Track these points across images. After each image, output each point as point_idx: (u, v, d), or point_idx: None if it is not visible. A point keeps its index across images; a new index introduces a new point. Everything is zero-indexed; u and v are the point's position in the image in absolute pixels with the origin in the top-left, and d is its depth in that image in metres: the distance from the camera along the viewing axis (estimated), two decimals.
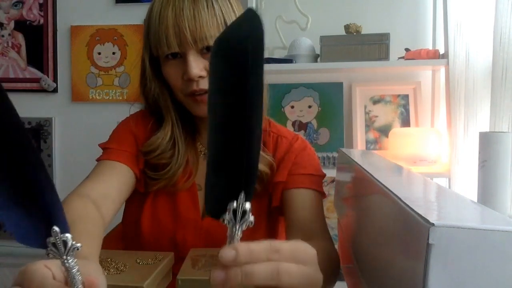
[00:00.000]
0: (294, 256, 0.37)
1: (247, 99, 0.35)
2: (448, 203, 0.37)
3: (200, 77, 0.71)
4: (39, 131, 1.87)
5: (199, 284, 0.54)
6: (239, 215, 0.36)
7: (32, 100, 1.87)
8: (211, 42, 0.69)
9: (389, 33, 1.45)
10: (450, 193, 0.40)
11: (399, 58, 1.49)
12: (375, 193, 0.45)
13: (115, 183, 0.72)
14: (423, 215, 0.28)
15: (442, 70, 1.51)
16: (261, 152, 0.76)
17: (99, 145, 0.79)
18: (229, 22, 0.71)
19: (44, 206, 0.35)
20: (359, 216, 0.57)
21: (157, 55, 0.74)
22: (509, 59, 1.23)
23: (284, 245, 0.37)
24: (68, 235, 0.35)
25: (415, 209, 0.30)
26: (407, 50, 1.47)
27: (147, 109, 0.82)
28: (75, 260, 0.36)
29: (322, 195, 0.80)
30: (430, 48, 1.56)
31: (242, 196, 0.36)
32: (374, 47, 1.45)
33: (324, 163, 1.52)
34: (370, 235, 0.47)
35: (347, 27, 1.51)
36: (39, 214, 0.35)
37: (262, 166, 0.76)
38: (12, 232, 0.35)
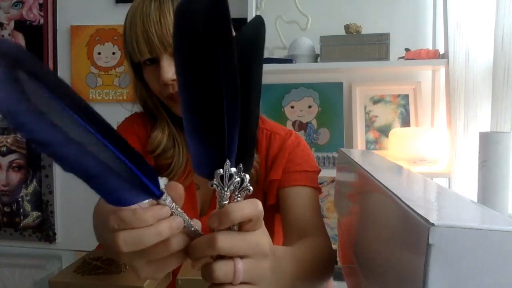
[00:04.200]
0: (251, 274, 0.39)
1: (250, 80, 0.40)
2: (448, 203, 0.37)
3: (174, 80, 0.71)
4: None
5: (199, 284, 0.54)
6: (226, 179, 0.38)
7: None
8: None
9: (389, 33, 1.45)
10: (450, 193, 0.40)
11: (399, 58, 1.49)
12: (375, 193, 0.45)
13: None
14: (423, 215, 0.28)
15: (442, 70, 1.51)
16: None
17: None
18: None
19: (224, 141, 0.37)
20: (359, 216, 0.56)
21: (137, 61, 0.74)
22: (511, 58, 1.23)
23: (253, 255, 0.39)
24: (247, 175, 0.39)
25: (415, 209, 0.30)
26: (407, 50, 1.48)
27: (144, 110, 0.83)
28: (242, 199, 0.39)
29: (318, 190, 0.80)
30: (430, 48, 1.57)
31: (227, 163, 0.38)
32: (374, 47, 1.45)
33: (324, 163, 1.52)
34: (370, 235, 0.47)
35: (347, 27, 1.51)
36: (217, 148, 0.37)
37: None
38: (193, 158, 0.38)
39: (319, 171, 0.82)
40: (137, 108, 0.85)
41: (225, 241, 0.37)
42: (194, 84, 0.36)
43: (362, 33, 1.51)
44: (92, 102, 1.85)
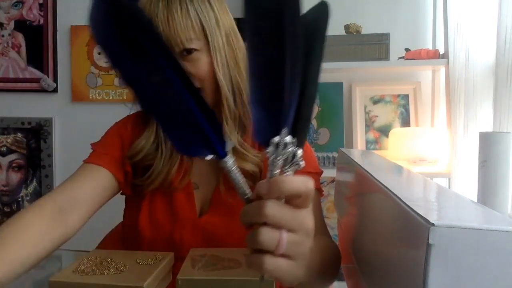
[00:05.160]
0: (293, 249, 0.38)
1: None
2: (448, 203, 0.37)
3: None
4: (39, 131, 1.87)
5: (199, 284, 0.54)
6: (281, 146, 0.38)
7: (32, 100, 1.87)
8: (188, 45, 0.69)
9: (389, 33, 1.45)
10: (450, 193, 0.40)
11: (399, 58, 1.49)
12: (375, 193, 0.45)
13: (89, 188, 0.72)
14: (423, 215, 0.28)
15: (442, 70, 1.51)
16: (248, 152, 0.76)
17: (91, 144, 0.79)
18: (205, 22, 0.71)
19: (282, 109, 0.37)
20: (359, 216, 0.57)
21: None
22: None
23: (299, 231, 0.39)
24: (299, 150, 0.38)
25: (415, 209, 0.30)
26: (407, 50, 1.47)
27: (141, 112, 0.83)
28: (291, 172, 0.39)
29: (320, 192, 0.80)
30: (430, 48, 1.56)
31: (284, 130, 0.38)
32: (374, 47, 1.45)
33: (324, 163, 1.52)
34: (370, 235, 0.47)
35: (347, 27, 1.51)
36: (275, 115, 0.38)
37: (250, 166, 0.76)
38: (253, 126, 0.39)
39: (321, 172, 0.82)
40: (139, 107, 0.85)
41: (273, 209, 0.37)
42: (261, 51, 0.37)
43: (362, 33, 1.51)
44: (92, 102, 1.85)
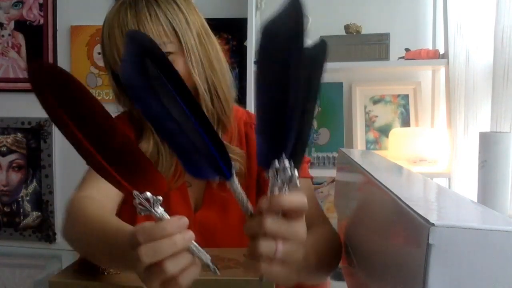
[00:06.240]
0: (287, 256, 0.43)
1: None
2: (448, 203, 0.37)
3: None
4: (39, 131, 1.87)
5: (199, 284, 0.54)
6: (280, 170, 0.43)
7: (32, 100, 1.85)
8: (164, 49, 0.69)
9: (389, 33, 1.45)
10: (450, 193, 0.40)
11: (399, 58, 1.49)
12: (375, 193, 0.45)
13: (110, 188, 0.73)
14: (423, 215, 0.28)
15: (442, 70, 1.51)
16: (229, 151, 0.77)
17: None
18: (176, 25, 0.72)
19: (283, 141, 0.42)
20: (359, 216, 0.57)
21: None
22: (511, 58, 1.24)
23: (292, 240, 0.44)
24: (296, 172, 0.43)
25: (415, 209, 0.30)
26: (407, 50, 1.47)
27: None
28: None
29: (311, 179, 0.82)
30: (430, 48, 1.56)
31: (283, 155, 0.43)
32: (374, 47, 1.45)
33: (324, 163, 1.52)
34: (370, 235, 0.47)
35: (347, 27, 1.51)
36: (277, 145, 0.43)
37: (234, 158, 0.76)
38: (257, 150, 0.44)
39: (309, 160, 0.84)
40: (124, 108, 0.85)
41: (272, 224, 0.42)
42: (267, 91, 0.43)
43: (362, 33, 1.51)
44: None
